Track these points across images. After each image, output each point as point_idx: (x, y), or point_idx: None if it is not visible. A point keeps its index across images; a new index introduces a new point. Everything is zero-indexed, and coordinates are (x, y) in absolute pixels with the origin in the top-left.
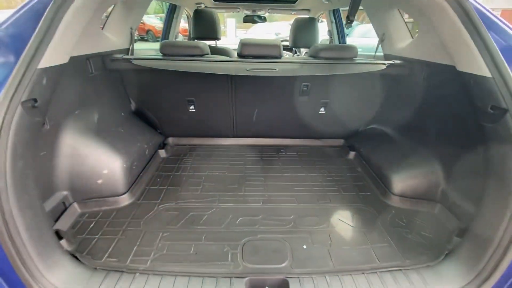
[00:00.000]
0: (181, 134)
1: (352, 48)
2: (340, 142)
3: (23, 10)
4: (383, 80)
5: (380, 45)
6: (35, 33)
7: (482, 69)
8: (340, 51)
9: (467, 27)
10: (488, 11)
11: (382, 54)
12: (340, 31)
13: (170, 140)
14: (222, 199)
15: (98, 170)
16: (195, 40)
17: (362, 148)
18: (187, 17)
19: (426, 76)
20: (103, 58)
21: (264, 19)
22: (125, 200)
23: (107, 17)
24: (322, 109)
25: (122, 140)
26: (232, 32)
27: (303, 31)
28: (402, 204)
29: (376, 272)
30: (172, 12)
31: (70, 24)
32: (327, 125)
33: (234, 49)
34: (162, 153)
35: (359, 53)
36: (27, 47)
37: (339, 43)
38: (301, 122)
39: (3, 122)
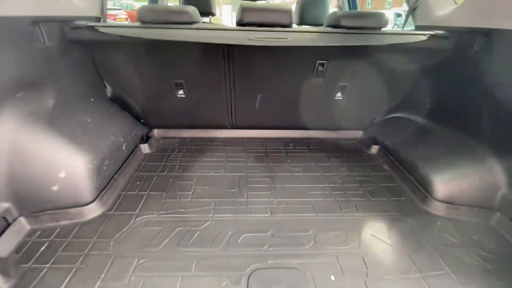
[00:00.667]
0: (168, 125)
1: (380, 16)
2: (358, 133)
3: None
4: (417, 57)
5: (410, 15)
6: None
7: None
8: (366, 19)
9: None
10: None
11: (412, 28)
12: (352, 4)
13: (156, 132)
14: (219, 209)
15: (52, 172)
16: None
17: (387, 140)
18: None
19: (480, 48)
20: (62, 25)
21: None
22: (91, 211)
23: None
24: (339, 94)
25: (88, 132)
26: (228, 19)
27: (311, 6)
28: (449, 213)
29: None
30: None
31: None
32: (345, 114)
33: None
34: (145, 148)
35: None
36: None
37: None
38: (313, 110)
39: None
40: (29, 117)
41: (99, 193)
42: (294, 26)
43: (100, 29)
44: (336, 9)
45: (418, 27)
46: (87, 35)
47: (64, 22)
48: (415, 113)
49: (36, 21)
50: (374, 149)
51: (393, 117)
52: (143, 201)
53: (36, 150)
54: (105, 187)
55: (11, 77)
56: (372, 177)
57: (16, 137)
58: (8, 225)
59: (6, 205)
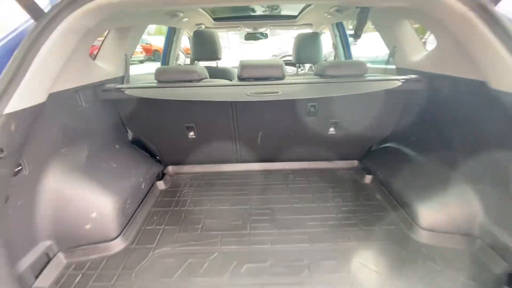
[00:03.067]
0: (181, 162)
1: (361, 64)
2: (354, 163)
3: None
4: (398, 96)
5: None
6: (0, 76)
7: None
8: (348, 68)
9: (500, 38)
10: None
11: (393, 67)
12: (345, 44)
13: (170, 169)
14: (225, 241)
15: (86, 213)
16: (195, 63)
17: (379, 171)
18: (188, 38)
19: (449, 92)
20: (95, 89)
21: (265, 36)
22: (117, 245)
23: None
24: (331, 129)
25: (114, 176)
26: (236, 47)
27: (306, 46)
28: (433, 240)
29: None
30: (171, 35)
31: (46, 61)
32: (338, 146)
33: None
34: (161, 184)
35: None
36: None
37: (345, 57)
38: (310, 144)
39: None
40: (69, 169)
41: (122, 229)
42: (291, 70)
43: (126, 91)
44: (331, 46)
45: (398, 69)
46: (115, 95)
47: (96, 86)
48: (403, 144)
49: (77, 90)
50: (368, 179)
51: (385, 147)
52: (159, 235)
53: (74, 196)
54: (127, 223)
55: (57, 136)
56: (365, 207)
57: (59, 186)
58: (49, 260)
59: (48, 242)
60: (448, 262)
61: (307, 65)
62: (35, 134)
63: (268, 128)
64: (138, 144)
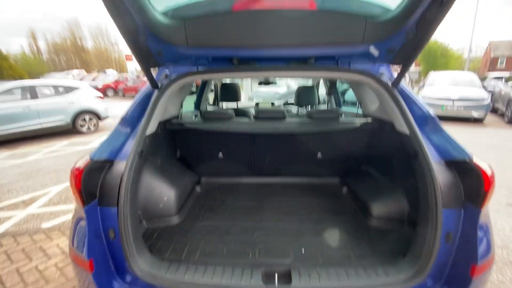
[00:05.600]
0: (211, 174)
1: (336, 111)
2: (336, 180)
3: (137, 102)
4: (363, 132)
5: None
6: (145, 117)
7: (404, 129)
8: (328, 113)
9: (396, 103)
10: (407, 90)
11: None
12: (334, 92)
13: (203, 179)
14: (240, 218)
15: (161, 197)
16: (224, 107)
17: (352, 184)
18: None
19: (388, 130)
20: (165, 123)
21: (275, 82)
22: (176, 219)
23: None
24: (319, 154)
25: (174, 177)
26: (249, 87)
27: (304, 95)
28: (380, 223)
29: (353, 267)
30: (203, 85)
31: (159, 110)
32: (324, 167)
33: (251, 106)
34: (198, 188)
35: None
36: (142, 123)
37: (336, 102)
38: (303, 165)
39: (132, 163)
40: (152, 169)
41: (179, 210)
42: (294, 108)
43: (184, 126)
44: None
45: (364, 114)
46: (174, 126)
47: (166, 121)
48: (370, 166)
49: (159, 123)
50: (345, 189)
51: (358, 168)
52: (200, 216)
53: (155, 186)
54: (181, 207)
55: (145, 152)
56: (340, 207)
57: (148, 178)
58: (140, 221)
59: (139, 212)
60: (387, 237)
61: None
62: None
63: (274, 152)
64: (182, 161)
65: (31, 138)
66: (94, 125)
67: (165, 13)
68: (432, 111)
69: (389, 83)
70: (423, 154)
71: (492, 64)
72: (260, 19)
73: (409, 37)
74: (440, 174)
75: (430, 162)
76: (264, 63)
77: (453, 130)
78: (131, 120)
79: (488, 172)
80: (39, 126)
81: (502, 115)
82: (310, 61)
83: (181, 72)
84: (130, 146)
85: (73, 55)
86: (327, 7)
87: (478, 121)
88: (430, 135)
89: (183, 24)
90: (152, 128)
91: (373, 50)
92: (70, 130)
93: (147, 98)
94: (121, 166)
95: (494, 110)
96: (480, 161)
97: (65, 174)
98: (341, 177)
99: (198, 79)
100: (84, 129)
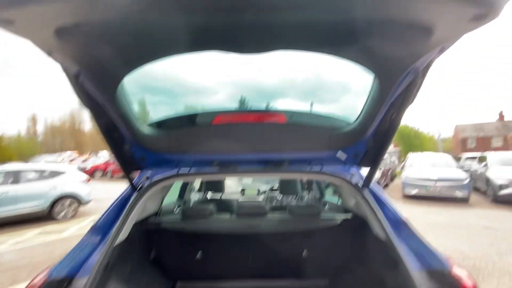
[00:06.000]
0: (189, 277)
1: (317, 206)
2: (326, 281)
3: (113, 206)
4: (346, 231)
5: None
6: (117, 223)
7: (380, 233)
8: (309, 209)
9: (368, 206)
10: (378, 192)
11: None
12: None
13: (179, 284)
14: None
15: None
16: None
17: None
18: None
19: (366, 231)
20: (141, 222)
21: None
22: None
23: None
24: (304, 253)
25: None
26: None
27: (287, 188)
28: None
29: None
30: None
31: (138, 209)
32: (311, 267)
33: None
34: None
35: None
36: (113, 230)
37: (319, 189)
38: (289, 264)
39: (93, 280)
40: (117, 283)
41: None
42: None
43: (161, 225)
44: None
45: (344, 208)
46: (151, 226)
47: (143, 220)
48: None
49: (134, 224)
50: None
51: (350, 267)
52: None
53: None
54: None
55: (112, 263)
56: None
57: None
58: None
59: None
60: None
61: None
62: None
63: (258, 251)
64: (155, 262)
65: (1, 226)
66: (74, 210)
67: (150, 125)
68: (404, 215)
69: (361, 183)
70: (403, 265)
71: (463, 144)
72: (237, 131)
73: (370, 145)
74: (423, 286)
75: (412, 274)
76: (243, 166)
77: (440, 211)
78: (103, 228)
79: (468, 284)
80: (13, 213)
81: (485, 193)
82: (285, 164)
83: (162, 175)
84: (96, 258)
85: (69, 137)
86: (295, 121)
87: (463, 201)
88: (406, 240)
89: (167, 135)
90: (124, 234)
91: (341, 155)
92: (45, 216)
93: (124, 201)
94: (80, 284)
95: (476, 189)
96: (461, 270)
97: (26, 272)
98: (331, 279)
99: (179, 180)
100: (60, 216)
